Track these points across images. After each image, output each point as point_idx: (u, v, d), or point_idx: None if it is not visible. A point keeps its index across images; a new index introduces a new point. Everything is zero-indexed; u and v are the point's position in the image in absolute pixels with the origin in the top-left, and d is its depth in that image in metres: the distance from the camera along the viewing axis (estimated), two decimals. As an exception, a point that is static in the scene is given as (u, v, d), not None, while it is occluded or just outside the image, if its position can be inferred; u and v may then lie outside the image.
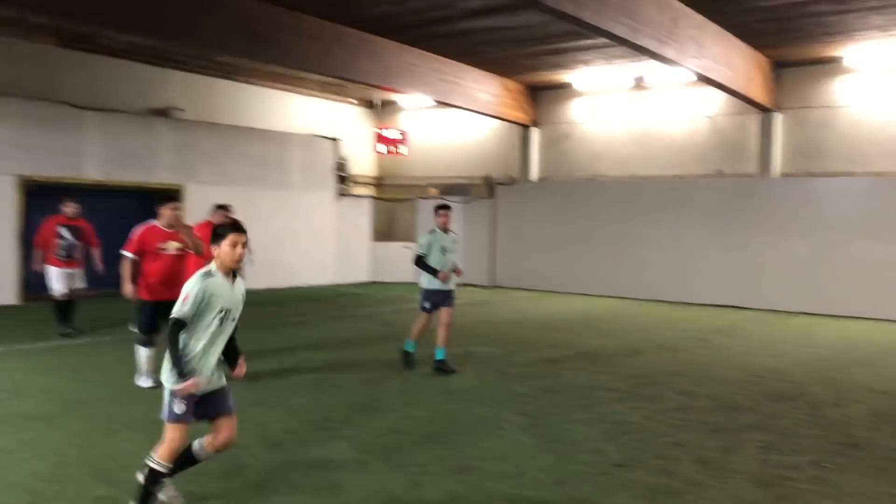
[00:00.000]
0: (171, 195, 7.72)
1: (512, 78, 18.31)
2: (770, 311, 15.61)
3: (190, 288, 4.19)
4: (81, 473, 5.04)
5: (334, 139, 20.29)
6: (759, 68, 15.19)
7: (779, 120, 16.29)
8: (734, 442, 6.20)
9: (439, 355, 8.69)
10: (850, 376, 9.07)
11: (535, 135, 19.82)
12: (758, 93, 15.24)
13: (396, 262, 19.92)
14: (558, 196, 18.93)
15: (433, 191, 21.15)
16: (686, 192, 17.07)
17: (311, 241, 19.21)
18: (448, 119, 21.09)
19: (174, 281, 7.20)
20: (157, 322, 7.42)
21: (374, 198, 21.59)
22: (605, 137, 18.75)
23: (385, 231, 21.45)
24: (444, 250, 8.81)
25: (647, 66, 15.95)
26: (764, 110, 16.07)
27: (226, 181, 17.40)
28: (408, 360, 8.84)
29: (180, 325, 4.15)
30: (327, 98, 20.85)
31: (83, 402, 6.94)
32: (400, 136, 20.84)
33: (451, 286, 8.77)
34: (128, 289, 7.52)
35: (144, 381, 7.61)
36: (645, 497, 4.89)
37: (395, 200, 21.66)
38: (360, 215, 20.72)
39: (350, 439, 5.97)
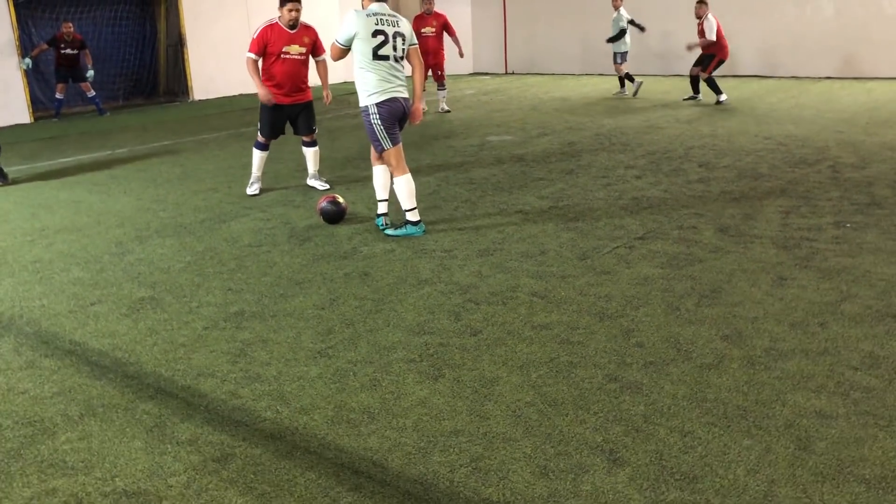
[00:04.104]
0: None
1: None
2: (793, 77, 15.19)
3: None
4: (120, 278, 5.22)
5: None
6: None
7: None
8: (755, 209, 6.25)
9: None
10: (873, 137, 8.96)
11: None
12: None
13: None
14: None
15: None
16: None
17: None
18: None
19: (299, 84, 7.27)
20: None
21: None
22: None
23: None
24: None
25: None
26: None
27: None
28: None
29: None
30: None
31: (112, 213, 7.06)
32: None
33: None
34: (262, 91, 7.08)
35: (318, 183, 7.65)
36: (667, 265, 5.01)
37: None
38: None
39: (374, 231, 6.08)
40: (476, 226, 6.10)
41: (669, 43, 16.56)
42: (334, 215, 6.26)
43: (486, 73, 19.80)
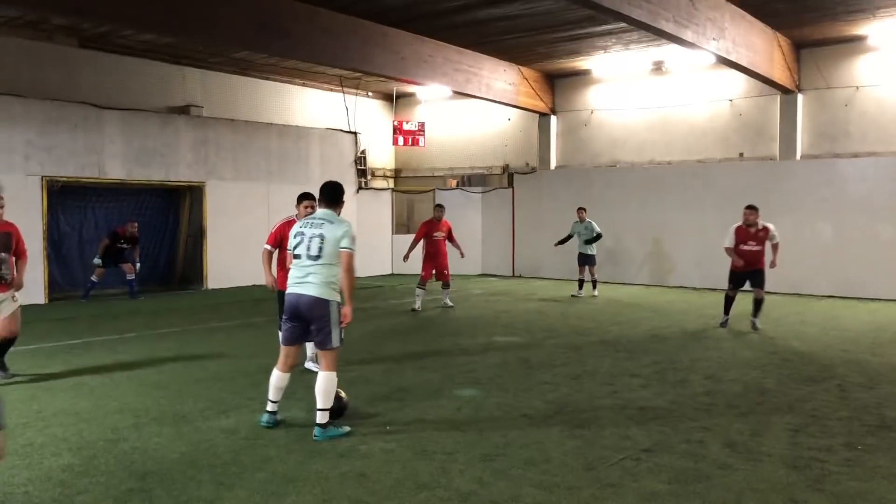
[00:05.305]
0: (307, 194, 7.59)
1: (529, 66, 18.18)
2: (795, 294, 15.45)
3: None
4: (111, 466, 5.08)
5: (353, 132, 20.30)
6: (779, 49, 14.97)
7: (800, 101, 16.07)
8: (763, 425, 6.13)
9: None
10: (880, 358, 8.95)
11: (554, 122, 19.70)
12: (779, 74, 15.04)
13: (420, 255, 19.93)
14: (577, 183, 18.81)
15: (452, 182, 21.12)
16: (708, 177, 16.93)
17: (331, 235, 19.19)
18: (466, 109, 21.01)
19: None
20: None
21: (394, 190, 21.57)
22: (624, 123, 18.60)
23: (405, 223, 21.45)
24: None
25: (666, 50, 15.81)
26: (786, 91, 15.87)
27: (246, 177, 17.50)
28: None
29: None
30: (345, 91, 20.69)
31: (112, 398, 6.99)
32: (418, 128, 20.80)
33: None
34: (268, 279, 7.80)
35: (313, 365, 7.79)
36: (675, 481, 4.85)
37: (415, 192, 21.64)
38: (381, 208, 20.69)
39: (376, 429, 5.97)
40: (479, 428, 5.99)
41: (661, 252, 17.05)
42: (335, 411, 6.17)
43: (494, 275, 20.27)
